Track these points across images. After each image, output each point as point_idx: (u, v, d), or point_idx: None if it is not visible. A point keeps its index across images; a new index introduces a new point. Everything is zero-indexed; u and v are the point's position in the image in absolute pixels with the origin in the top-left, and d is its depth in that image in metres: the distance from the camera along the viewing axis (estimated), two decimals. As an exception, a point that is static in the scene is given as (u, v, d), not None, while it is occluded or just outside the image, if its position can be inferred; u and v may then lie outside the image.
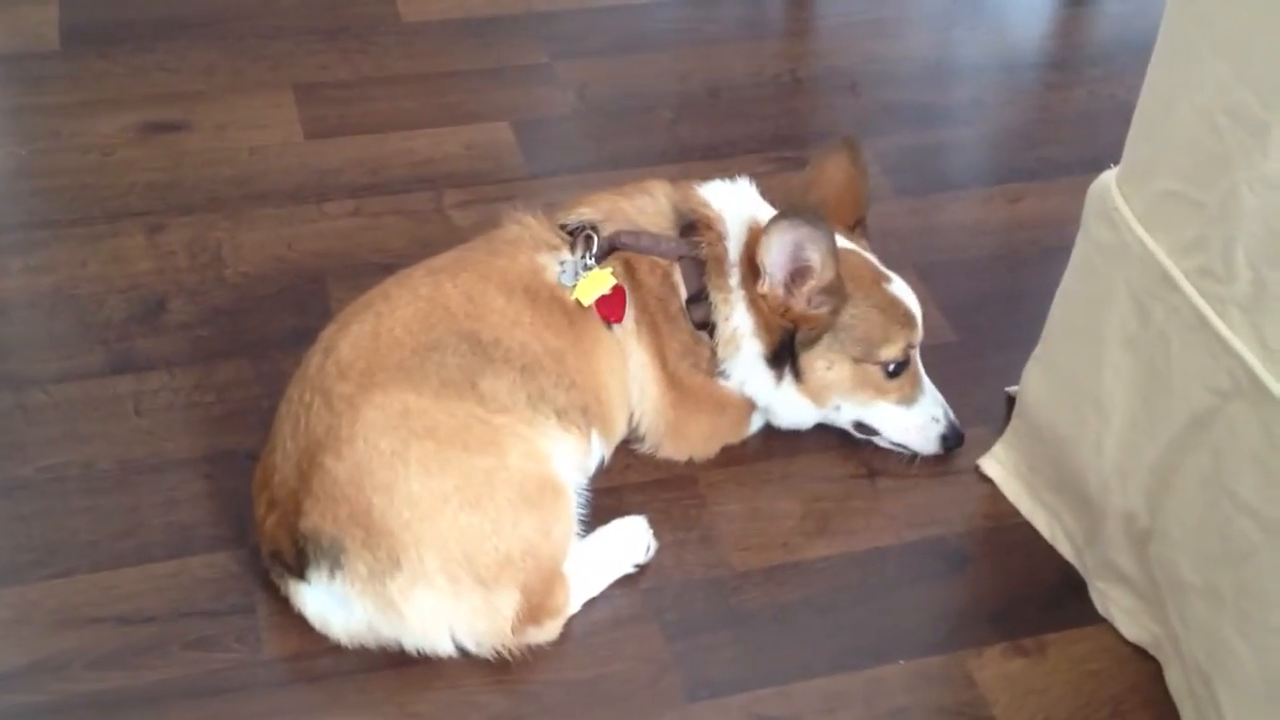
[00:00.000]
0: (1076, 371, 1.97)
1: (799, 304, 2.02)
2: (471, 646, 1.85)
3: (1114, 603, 1.96)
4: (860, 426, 2.16)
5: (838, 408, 2.14)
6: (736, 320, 2.06)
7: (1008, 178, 2.82)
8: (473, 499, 1.80)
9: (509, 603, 1.83)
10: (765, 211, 2.09)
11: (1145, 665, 1.92)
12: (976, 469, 2.18)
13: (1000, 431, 2.18)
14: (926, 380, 2.15)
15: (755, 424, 2.20)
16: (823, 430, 2.21)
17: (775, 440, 2.21)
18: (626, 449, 2.17)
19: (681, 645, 1.92)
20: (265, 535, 1.87)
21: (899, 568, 2.05)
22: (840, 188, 2.16)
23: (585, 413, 2.01)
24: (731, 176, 2.17)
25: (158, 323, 2.36)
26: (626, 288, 2.05)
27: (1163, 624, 1.87)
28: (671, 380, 2.09)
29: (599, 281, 2.01)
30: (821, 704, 1.86)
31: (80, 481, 2.09)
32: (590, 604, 1.96)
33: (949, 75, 3.16)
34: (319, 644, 1.88)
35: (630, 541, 2.01)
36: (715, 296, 2.05)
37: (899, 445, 2.17)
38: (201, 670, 1.86)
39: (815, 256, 1.98)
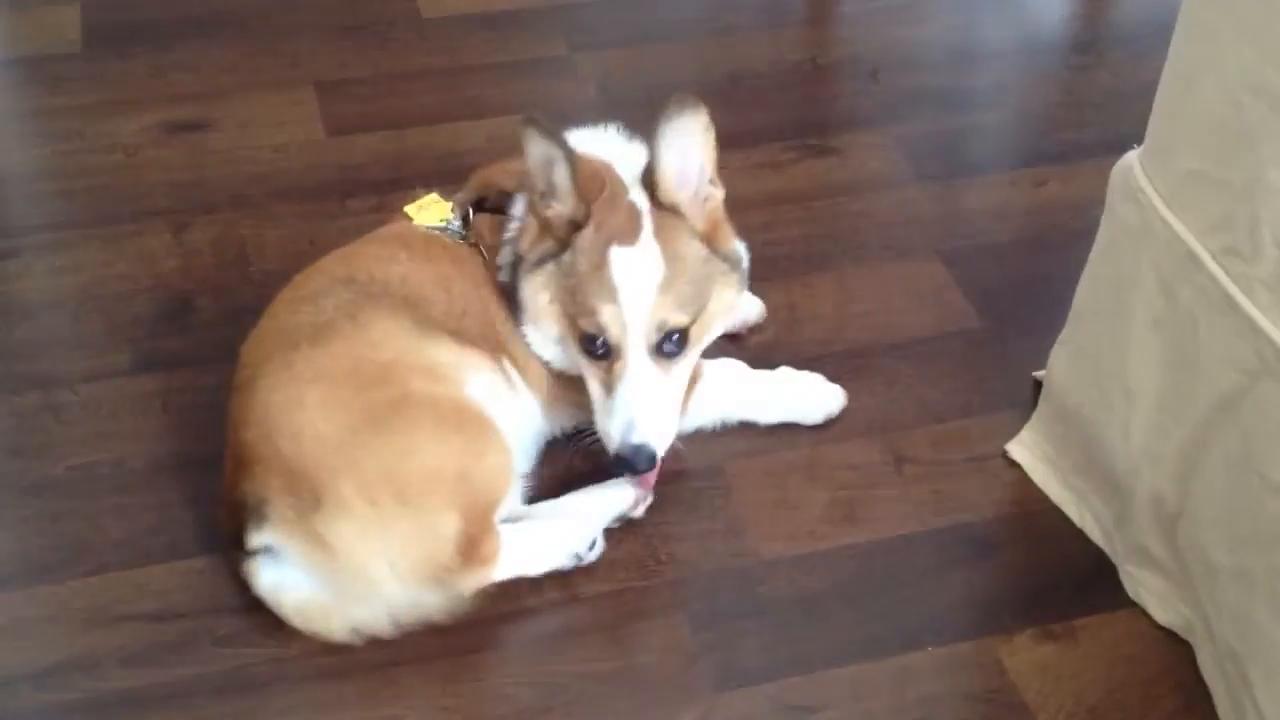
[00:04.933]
0: (1103, 354, 1.95)
1: (550, 216, 1.92)
2: (408, 578, 1.81)
3: (1144, 586, 1.95)
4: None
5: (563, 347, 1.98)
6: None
7: (1032, 161, 2.80)
8: (381, 424, 1.79)
9: (449, 524, 1.81)
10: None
11: (1176, 648, 1.91)
12: (1004, 454, 2.17)
13: (1027, 417, 2.17)
14: (637, 392, 1.90)
15: None
16: (848, 417, 2.21)
17: (801, 429, 2.20)
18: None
19: (709, 635, 1.92)
20: (224, 532, 1.88)
21: (927, 555, 2.04)
22: None
23: (485, 340, 1.98)
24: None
25: (184, 321, 2.38)
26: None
27: (1194, 607, 1.85)
28: None
29: (435, 212, 2.06)
30: (850, 692, 1.86)
31: (110, 480, 2.11)
32: (617, 595, 1.96)
33: (971, 59, 3.14)
34: (348, 638, 1.89)
35: (578, 529, 1.96)
36: None
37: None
38: (232, 666, 1.87)
39: (560, 180, 1.88)
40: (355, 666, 1.87)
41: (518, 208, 2.02)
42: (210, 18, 3.12)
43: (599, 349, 1.91)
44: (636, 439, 1.89)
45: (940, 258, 2.52)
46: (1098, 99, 2.98)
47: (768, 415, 2.19)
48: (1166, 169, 1.78)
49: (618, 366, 1.91)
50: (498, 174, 2.12)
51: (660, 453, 1.93)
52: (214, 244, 2.53)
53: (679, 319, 1.91)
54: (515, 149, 1.96)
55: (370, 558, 1.80)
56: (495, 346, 2.01)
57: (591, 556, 1.97)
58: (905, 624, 1.94)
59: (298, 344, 1.87)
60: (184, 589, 1.96)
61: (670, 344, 1.92)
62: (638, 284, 1.89)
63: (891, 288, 2.47)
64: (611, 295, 1.88)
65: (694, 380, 2.04)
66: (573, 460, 2.10)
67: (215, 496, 2.04)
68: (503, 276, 2.02)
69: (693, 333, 1.95)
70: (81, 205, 2.61)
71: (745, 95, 2.95)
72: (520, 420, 2.02)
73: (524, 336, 2.01)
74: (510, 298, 1.99)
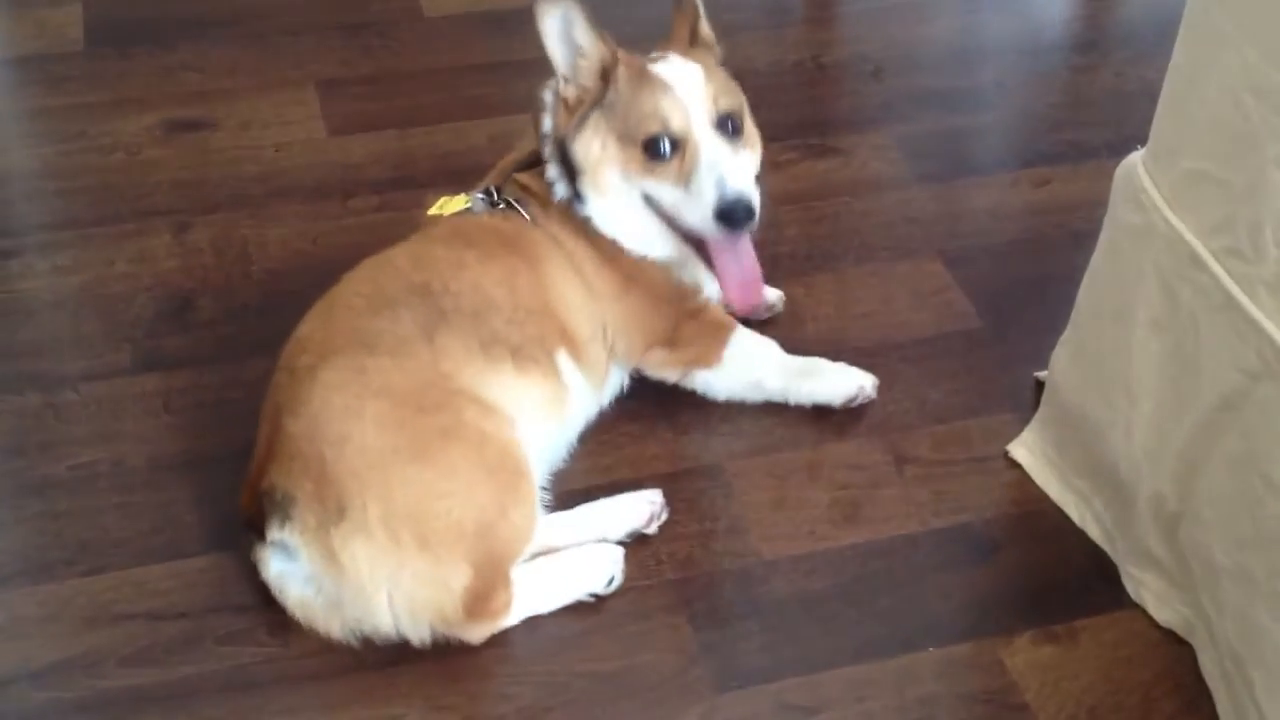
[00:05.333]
0: (1105, 355, 1.95)
1: (578, 90, 2.06)
2: (407, 618, 1.82)
3: (1145, 587, 1.95)
4: (660, 213, 2.08)
5: (629, 188, 2.06)
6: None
7: (1034, 161, 2.80)
8: (425, 453, 1.80)
9: (460, 578, 1.80)
10: None
11: (1177, 649, 1.91)
12: (1005, 454, 2.17)
13: (1029, 417, 2.17)
14: (715, 156, 2.02)
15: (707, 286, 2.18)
16: (849, 417, 2.21)
17: (803, 428, 2.20)
18: (654, 437, 2.18)
19: (710, 635, 1.92)
20: (242, 513, 1.90)
21: (928, 555, 2.04)
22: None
23: (543, 342, 2.01)
24: None
25: (185, 320, 2.38)
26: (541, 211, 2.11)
27: (1195, 608, 1.85)
28: (609, 260, 2.11)
29: (456, 202, 2.13)
30: (851, 693, 1.86)
31: (111, 479, 2.11)
32: (618, 594, 1.95)
33: (973, 59, 3.14)
34: (349, 637, 1.89)
35: (596, 568, 1.95)
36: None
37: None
38: (232, 665, 1.87)
39: (580, 34, 2.03)
40: (356, 665, 1.87)
41: (545, 122, 2.10)
42: (212, 17, 3.12)
43: (664, 148, 2.02)
44: (731, 190, 1.99)
45: (942, 258, 2.52)
46: (1100, 99, 2.98)
47: (799, 391, 2.21)
48: (1169, 170, 1.78)
49: (689, 150, 2.03)
50: (513, 155, 2.21)
51: (757, 207, 2.01)
52: (215, 243, 2.53)
53: (729, 101, 2.07)
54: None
55: (375, 586, 1.80)
56: (556, 338, 2.04)
57: (611, 590, 1.95)
58: (906, 624, 1.94)
59: (375, 350, 1.87)
60: (185, 588, 1.96)
61: (729, 126, 2.06)
62: (685, 75, 2.06)
63: (893, 288, 2.47)
64: (665, 89, 2.04)
65: (727, 342, 2.18)
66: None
67: (216, 496, 2.06)
68: (558, 193, 2.09)
69: (745, 128, 2.10)
70: (83, 205, 2.61)
71: (747, 95, 2.93)
72: (564, 428, 2.09)
73: (593, 222, 2.08)
74: (573, 197, 2.08)
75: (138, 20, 3.09)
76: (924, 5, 3.30)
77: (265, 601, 1.93)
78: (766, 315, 2.38)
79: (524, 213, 2.10)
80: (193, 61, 2.99)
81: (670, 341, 2.17)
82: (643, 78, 2.05)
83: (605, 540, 1.99)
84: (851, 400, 2.21)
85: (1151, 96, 1.81)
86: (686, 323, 2.17)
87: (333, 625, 1.86)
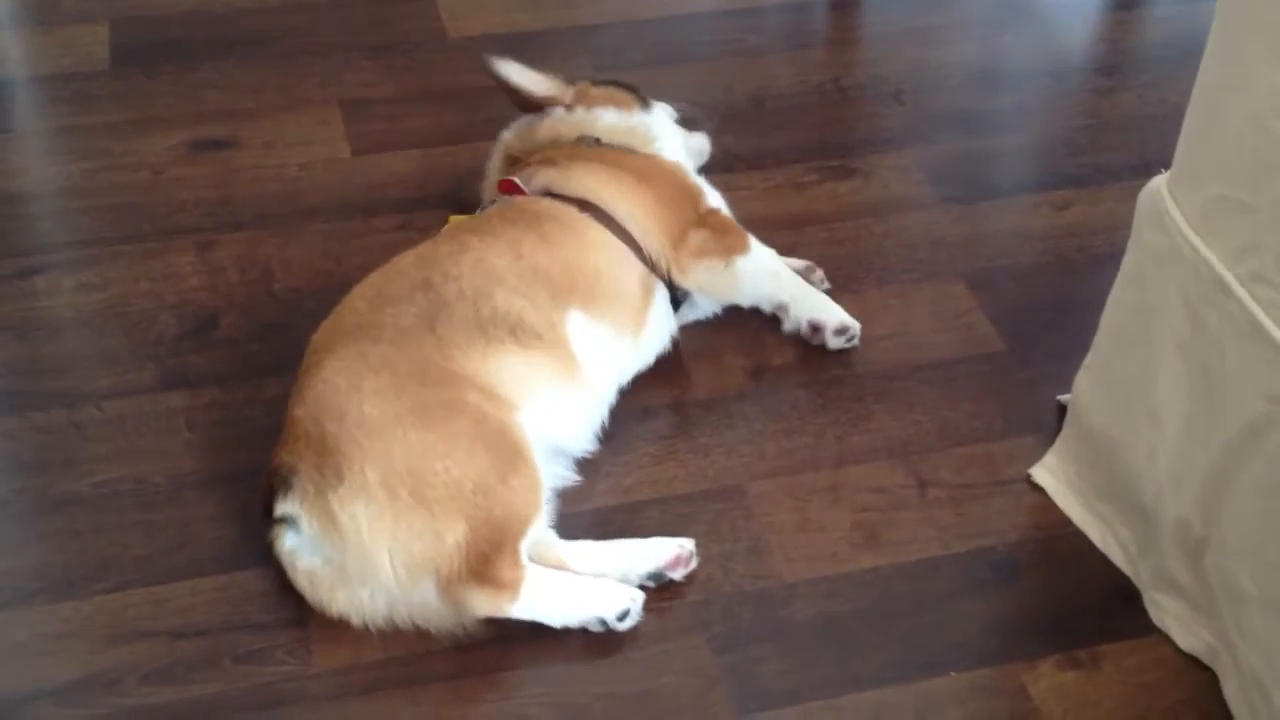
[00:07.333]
0: (1129, 379, 1.95)
1: None
2: (405, 575, 1.84)
3: (1169, 613, 1.94)
4: None
5: None
6: None
7: (1056, 184, 2.79)
8: (425, 420, 1.86)
9: (453, 533, 1.83)
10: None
11: (1201, 676, 1.89)
12: (1028, 478, 2.16)
13: (1052, 440, 2.16)
14: None
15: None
16: (871, 440, 2.21)
17: (823, 450, 2.20)
18: (675, 458, 2.17)
19: (730, 658, 1.91)
20: (257, 498, 1.96)
21: (950, 579, 2.03)
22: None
23: (552, 303, 2.07)
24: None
25: (209, 338, 2.39)
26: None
27: (1219, 634, 1.84)
28: (623, 167, 2.29)
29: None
30: (872, 716, 1.85)
31: (133, 496, 2.12)
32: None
33: (995, 82, 3.13)
34: (369, 656, 1.89)
35: (613, 595, 1.93)
36: None
37: None
38: (252, 683, 1.87)
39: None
40: (376, 684, 1.87)
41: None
42: (238, 37, 3.14)
43: None
44: None
45: (964, 280, 2.52)
46: (1122, 122, 2.97)
47: (805, 301, 2.36)
48: (1194, 194, 1.77)
49: None
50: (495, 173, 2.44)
51: None
52: (239, 261, 2.54)
53: None
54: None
55: (376, 545, 1.84)
56: (566, 294, 2.10)
57: (622, 627, 1.93)
58: (928, 648, 1.93)
59: (378, 340, 1.95)
60: (205, 606, 1.96)
61: None
62: None
63: (915, 310, 2.47)
64: None
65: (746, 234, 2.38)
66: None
67: (237, 513, 2.07)
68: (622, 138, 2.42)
69: None
70: (108, 222, 2.63)
71: (768, 116, 2.96)
72: (588, 394, 2.13)
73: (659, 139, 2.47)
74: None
75: (164, 40, 3.11)
76: (946, 28, 3.30)
77: (284, 620, 1.94)
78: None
79: (522, 185, 2.25)
80: (218, 81, 3.00)
81: (706, 230, 2.32)
82: None
83: (627, 578, 1.97)
84: (845, 330, 2.32)
85: (1175, 119, 1.81)
86: (708, 219, 2.34)
87: (338, 599, 1.89)
